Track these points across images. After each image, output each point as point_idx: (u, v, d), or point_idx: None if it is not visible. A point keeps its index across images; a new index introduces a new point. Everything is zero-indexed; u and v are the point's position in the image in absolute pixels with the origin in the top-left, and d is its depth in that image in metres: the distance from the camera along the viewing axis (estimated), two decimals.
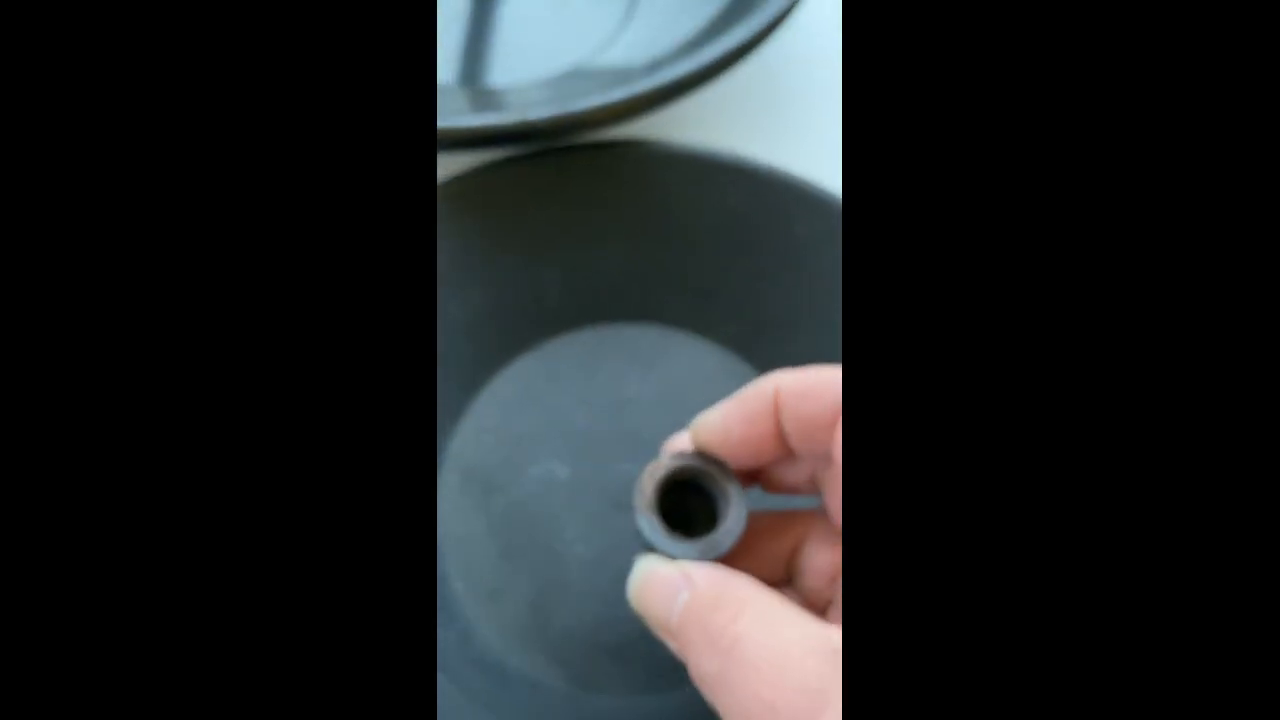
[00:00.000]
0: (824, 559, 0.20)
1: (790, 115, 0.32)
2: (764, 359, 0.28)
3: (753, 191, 0.27)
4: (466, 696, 0.24)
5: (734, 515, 0.19)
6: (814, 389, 0.18)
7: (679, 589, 0.17)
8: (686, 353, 0.28)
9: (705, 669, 0.16)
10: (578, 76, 0.29)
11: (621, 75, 0.25)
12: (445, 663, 0.25)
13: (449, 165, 0.28)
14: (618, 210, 0.28)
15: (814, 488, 0.21)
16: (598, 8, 0.33)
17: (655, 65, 0.25)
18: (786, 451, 0.19)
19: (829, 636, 0.15)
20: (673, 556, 0.18)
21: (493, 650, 0.26)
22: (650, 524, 0.19)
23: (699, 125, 0.29)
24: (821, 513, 0.21)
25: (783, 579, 0.21)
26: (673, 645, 0.18)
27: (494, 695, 0.25)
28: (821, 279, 0.26)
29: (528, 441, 0.27)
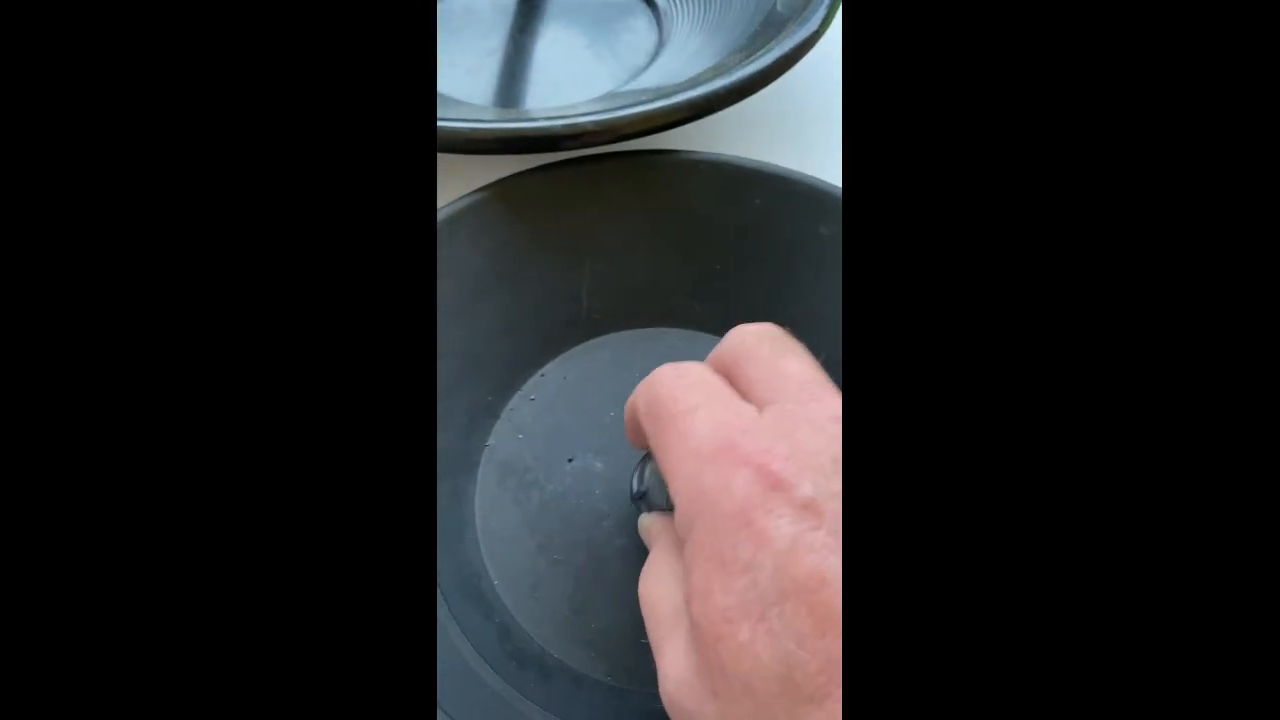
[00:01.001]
0: None
1: (810, 131, 0.33)
2: None
3: (777, 195, 0.28)
4: (512, 687, 0.23)
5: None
6: (634, 395, 0.22)
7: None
8: None
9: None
10: (612, 99, 0.31)
11: (656, 93, 0.27)
12: (486, 655, 0.24)
13: (491, 169, 0.29)
14: (647, 217, 0.29)
15: None
16: (628, 44, 0.36)
17: (691, 84, 0.27)
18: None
19: None
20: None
21: (533, 644, 0.25)
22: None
23: (724, 140, 0.31)
24: None
25: None
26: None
27: (537, 688, 0.24)
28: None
29: (563, 438, 0.28)
